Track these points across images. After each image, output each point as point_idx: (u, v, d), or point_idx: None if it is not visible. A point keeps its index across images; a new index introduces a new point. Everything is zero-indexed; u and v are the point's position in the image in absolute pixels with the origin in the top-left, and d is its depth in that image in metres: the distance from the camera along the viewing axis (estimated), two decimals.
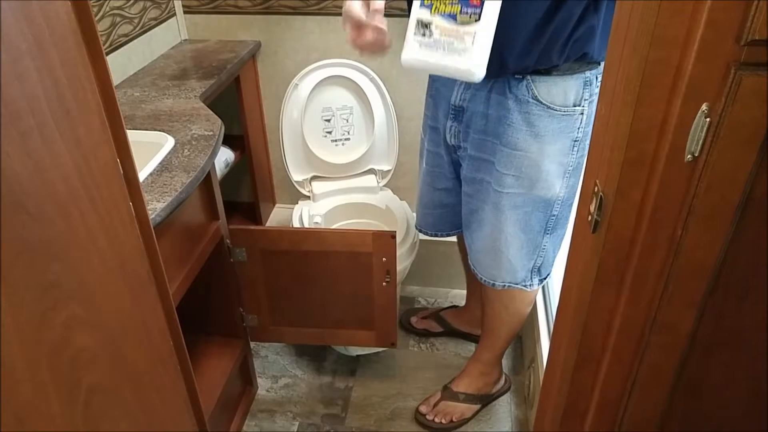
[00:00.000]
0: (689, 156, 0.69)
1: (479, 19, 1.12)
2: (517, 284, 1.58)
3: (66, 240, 0.68)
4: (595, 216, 0.81)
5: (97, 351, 0.75)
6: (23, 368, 0.60)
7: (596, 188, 0.81)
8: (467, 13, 1.13)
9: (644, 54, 0.67)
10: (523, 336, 2.11)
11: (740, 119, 0.64)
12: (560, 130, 1.36)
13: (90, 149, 0.72)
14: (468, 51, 1.14)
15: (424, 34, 1.17)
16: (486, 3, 1.11)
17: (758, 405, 0.89)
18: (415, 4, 1.18)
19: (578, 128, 1.37)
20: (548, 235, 1.51)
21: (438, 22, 1.15)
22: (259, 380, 2.02)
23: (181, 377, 1.03)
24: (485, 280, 1.61)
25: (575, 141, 1.38)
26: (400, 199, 2.14)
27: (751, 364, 0.85)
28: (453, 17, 1.14)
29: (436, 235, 1.80)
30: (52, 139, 0.64)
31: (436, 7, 1.15)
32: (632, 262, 0.80)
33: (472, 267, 1.64)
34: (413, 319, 2.21)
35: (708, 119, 0.66)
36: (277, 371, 2.08)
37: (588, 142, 1.38)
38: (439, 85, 1.51)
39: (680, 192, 0.72)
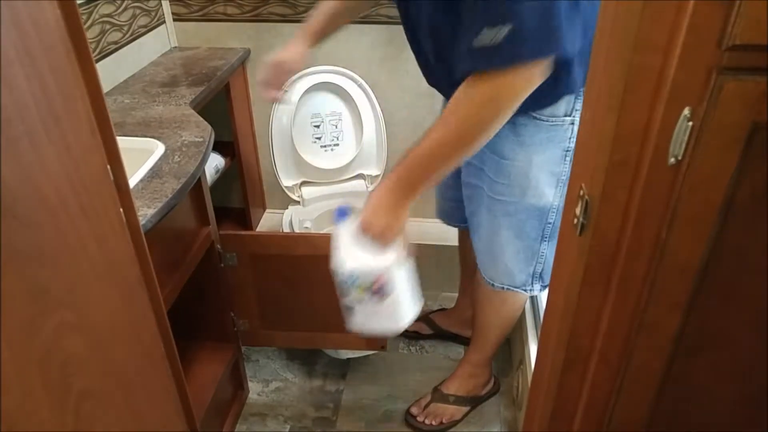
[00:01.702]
0: (672, 159, 0.70)
1: (387, 295, 1.26)
2: (516, 288, 1.59)
3: (56, 246, 0.68)
4: (581, 219, 0.82)
5: (87, 356, 0.75)
6: (13, 374, 0.60)
7: (582, 192, 0.81)
8: (373, 293, 1.26)
9: (627, 59, 0.68)
10: (512, 338, 2.11)
11: (722, 123, 0.65)
12: (548, 140, 1.35)
13: (80, 156, 0.72)
14: (390, 317, 1.31)
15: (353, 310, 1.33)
16: (387, 285, 1.25)
17: (743, 405, 0.90)
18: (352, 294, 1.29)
19: (569, 138, 1.36)
20: (546, 242, 1.51)
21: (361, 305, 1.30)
22: (250, 384, 2.02)
23: (173, 382, 1.03)
24: (486, 280, 1.63)
25: (567, 150, 1.37)
26: None
27: (737, 364, 0.86)
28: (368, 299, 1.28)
29: (450, 225, 1.87)
30: (41, 145, 0.65)
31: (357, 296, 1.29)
32: (618, 265, 0.81)
33: (478, 265, 1.66)
34: None
35: (690, 123, 0.66)
36: (268, 375, 2.08)
37: None
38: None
39: (664, 195, 0.73)
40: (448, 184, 1.70)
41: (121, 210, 0.83)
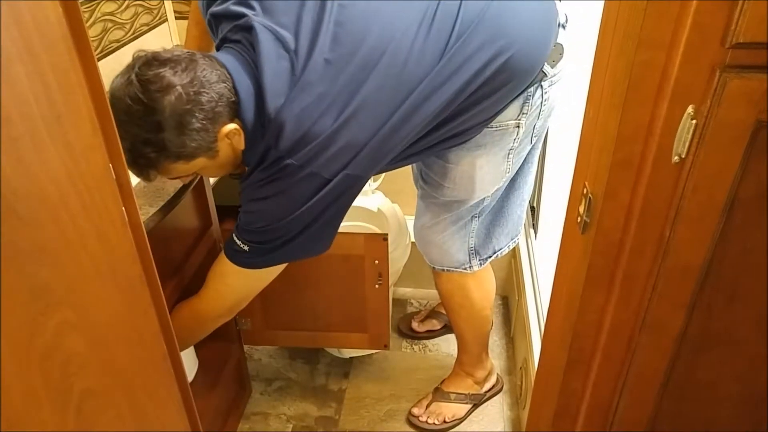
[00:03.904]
0: (676, 157, 0.69)
1: None
2: (456, 268, 1.65)
3: (57, 244, 0.68)
4: (584, 217, 0.81)
5: (88, 355, 0.75)
6: (14, 373, 0.60)
7: (585, 190, 0.81)
8: None
9: (631, 56, 0.68)
10: (515, 337, 2.11)
11: (726, 121, 0.65)
12: (493, 144, 1.37)
13: (81, 154, 0.72)
14: None
15: None
16: None
17: (747, 405, 0.90)
18: None
19: (514, 139, 1.37)
20: (477, 219, 1.56)
21: None
22: (252, 383, 2.02)
23: (175, 381, 1.03)
24: (429, 264, 1.70)
25: (510, 150, 1.39)
26: (392, 202, 2.14)
27: (741, 364, 0.86)
28: None
29: None
30: (42, 143, 0.64)
31: None
32: (621, 263, 0.81)
33: (419, 249, 1.72)
34: (414, 325, 2.21)
35: (694, 121, 0.66)
36: (270, 374, 2.08)
37: (524, 149, 1.43)
38: None
39: (668, 193, 0.73)
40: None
41: (123, 208, 0.83)
